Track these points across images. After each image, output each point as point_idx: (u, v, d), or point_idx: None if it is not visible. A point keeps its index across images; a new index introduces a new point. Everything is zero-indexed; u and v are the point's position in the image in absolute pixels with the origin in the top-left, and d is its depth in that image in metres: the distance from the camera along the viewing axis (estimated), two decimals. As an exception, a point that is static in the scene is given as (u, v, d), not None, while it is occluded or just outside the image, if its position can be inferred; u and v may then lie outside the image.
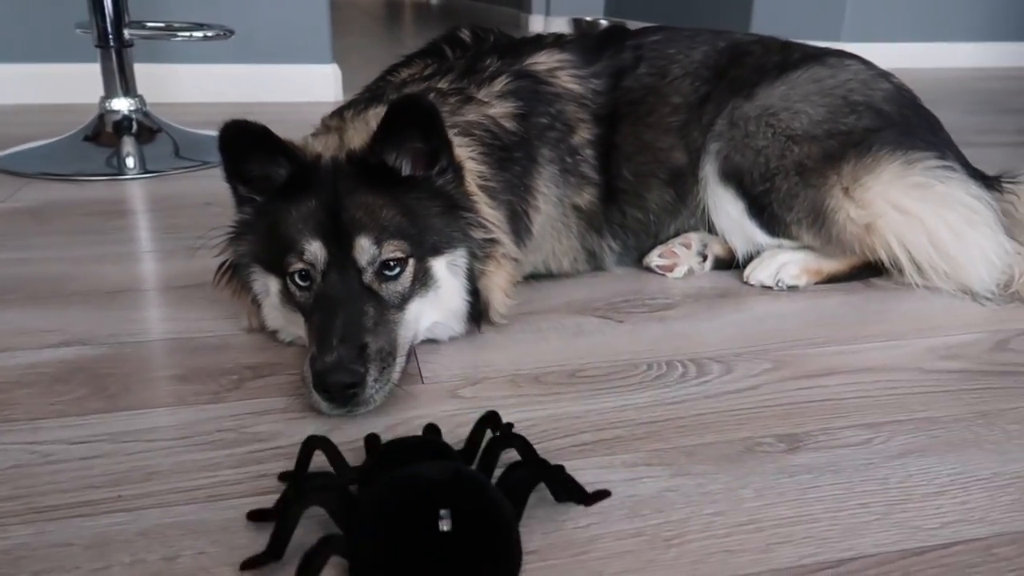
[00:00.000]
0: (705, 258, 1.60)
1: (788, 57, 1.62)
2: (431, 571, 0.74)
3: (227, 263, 1.26)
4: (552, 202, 1.48)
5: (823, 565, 0.81)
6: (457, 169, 1.22)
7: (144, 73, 2.56)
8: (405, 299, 1.15)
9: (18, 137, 2.49)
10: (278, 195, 1.17)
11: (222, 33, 2.62)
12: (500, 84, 1.47)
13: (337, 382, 1.01)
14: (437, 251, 1.19)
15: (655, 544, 0.83)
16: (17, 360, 1.20)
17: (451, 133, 1.23)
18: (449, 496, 0.78)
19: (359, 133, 1.22)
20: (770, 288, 1.52)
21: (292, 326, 1.22)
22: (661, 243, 1.61)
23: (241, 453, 0.98)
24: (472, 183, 1.26)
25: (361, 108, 1.35)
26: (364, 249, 1.11)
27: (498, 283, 1.27)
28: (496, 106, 1.44)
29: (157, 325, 1.34)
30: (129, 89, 2.45)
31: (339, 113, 1.40)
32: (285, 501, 0.85)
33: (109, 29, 2.36)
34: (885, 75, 1.62)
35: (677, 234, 1.63)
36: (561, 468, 0.89)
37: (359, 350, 1.04)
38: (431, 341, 1.27)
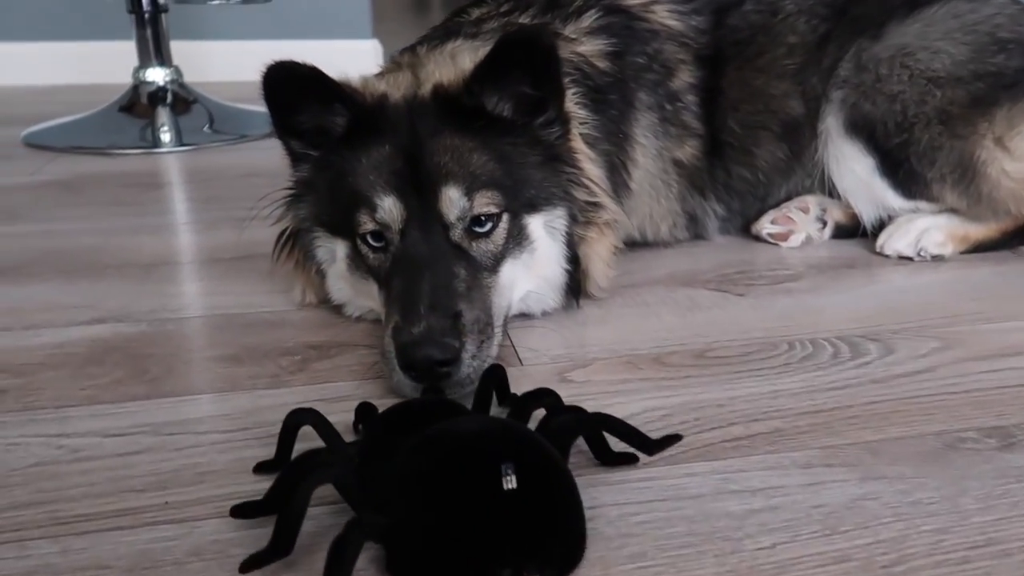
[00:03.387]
0: (824, 224, 1.39)
1: (917, -9, 1.40)
2: (498, 538, 0.60)
3: (287, 231, 1.09)
4: (651, 155, 1.28)
5: (1107, 602, 0.60)
6: (565, 122, 1.04)
7: (178, 50, 2.41)
8: (498, 260, 0.97)
9: (50, 116, 2.35)
10: (341, 145, 1.00)
11: (260, -2, 2.46)
12: (589, 19, 1.28)
13: (427, 357, 0.84)
14: (534, 207, 1.01)
15: (871, 571, 0.63)
16: (42, 339, 1.03)
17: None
18: (505, 450, 0.64)
19: (441, 68, 1.04)
20: (908, 259, 1.30)
21: (362, 297, 1.04)
22: (770, 208, 1.40)
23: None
24: (576, 137, 1.07)
25: (436, 44, 1.16)
26: (453, 201, 0.94)
27: (599, 252, 1.10)
28: (586, 43, 1.25)
29: (202, 300, 1.18)
30: (164, 59, 2.31)
31: (411, 49, 1.21)
32: (280, 488, 0.67)
33: (143, -7, 2.21)
34: (1033, 9, 1.39)
35: (788, 197, 1.42)
36: (606, 415, 0.75)
37: (452, 320, 0.87)
38: (523, 316, 1.08)
